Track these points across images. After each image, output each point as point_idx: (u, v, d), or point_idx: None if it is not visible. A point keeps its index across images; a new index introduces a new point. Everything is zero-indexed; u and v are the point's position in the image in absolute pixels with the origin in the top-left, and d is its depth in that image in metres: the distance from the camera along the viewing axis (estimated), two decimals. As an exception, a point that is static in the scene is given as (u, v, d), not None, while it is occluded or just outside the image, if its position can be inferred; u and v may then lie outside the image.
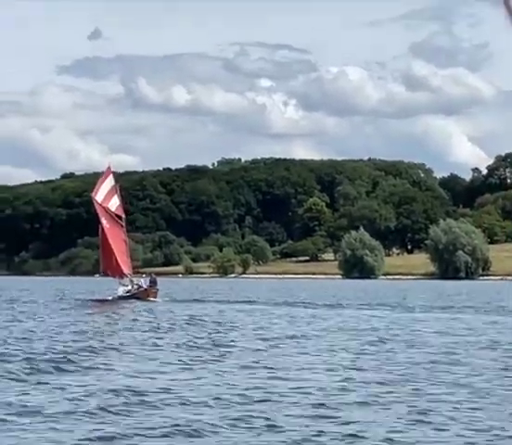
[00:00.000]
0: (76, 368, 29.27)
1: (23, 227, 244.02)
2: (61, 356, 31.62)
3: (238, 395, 24.18)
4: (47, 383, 25.66)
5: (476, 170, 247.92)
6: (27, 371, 27.96)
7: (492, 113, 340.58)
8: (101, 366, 29.61)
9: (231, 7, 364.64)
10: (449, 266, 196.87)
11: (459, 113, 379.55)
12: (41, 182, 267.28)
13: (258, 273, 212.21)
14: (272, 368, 30.03)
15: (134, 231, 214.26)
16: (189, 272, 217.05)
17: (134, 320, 53.19)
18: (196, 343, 38.62)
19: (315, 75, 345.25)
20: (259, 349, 36.49)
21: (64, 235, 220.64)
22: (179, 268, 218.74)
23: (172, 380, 27.18)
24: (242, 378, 27.70)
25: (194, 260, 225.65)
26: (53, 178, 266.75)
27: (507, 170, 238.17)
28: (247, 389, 25.22)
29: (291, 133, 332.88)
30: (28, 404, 21.64)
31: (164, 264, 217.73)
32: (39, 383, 25.67)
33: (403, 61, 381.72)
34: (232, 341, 39.84)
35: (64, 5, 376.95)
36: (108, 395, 23.36)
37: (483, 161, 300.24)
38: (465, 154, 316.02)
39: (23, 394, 23.49)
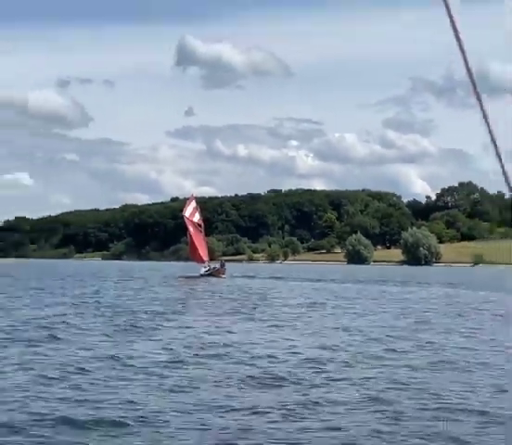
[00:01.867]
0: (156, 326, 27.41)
1: (147, 231, 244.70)
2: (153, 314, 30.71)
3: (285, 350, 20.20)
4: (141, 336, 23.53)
5: (428, 197, 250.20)
6: (128, 326, 25.70)
7: (435, 162, 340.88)
8: (177, 324, 27.19)
9: (273, 94, 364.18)
10: (414, 257, 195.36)
11: (415, 163, 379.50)
12: (158, 203, 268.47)
13: (294, 260, 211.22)
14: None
15: (216, 234, 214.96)
16: (250, 259, 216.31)
17: (207, 290, 53.07)
18: (242, 307, 37.68)
19: (325, 138, 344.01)
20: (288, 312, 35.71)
21: (172, 236, 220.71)
22: (244, 257, 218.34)
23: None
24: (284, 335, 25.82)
25: (253, 252, 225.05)
26: (165, 200, 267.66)
27: (449, 197, 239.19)
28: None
29: (311, 174, 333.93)
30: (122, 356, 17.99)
31: (234, 254, 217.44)
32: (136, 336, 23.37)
33: (380, 130, 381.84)
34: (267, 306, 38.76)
35: (168, 89, 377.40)
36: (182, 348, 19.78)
37: (429, 192, 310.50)
38: (419, 187, 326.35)
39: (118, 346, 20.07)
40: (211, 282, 64.65)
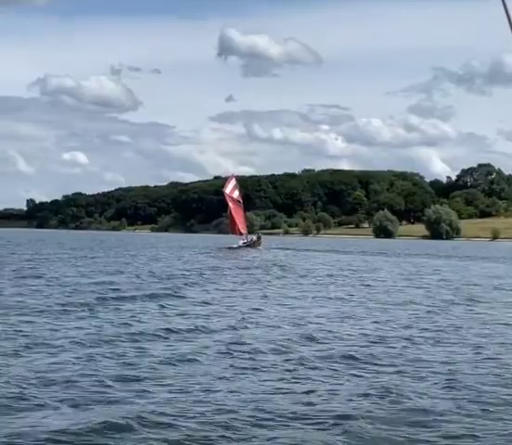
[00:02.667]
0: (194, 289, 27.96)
1: (192, 206, 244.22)
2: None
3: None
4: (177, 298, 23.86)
5: (448, 177, 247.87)
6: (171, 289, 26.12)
7: (454, 145, 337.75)
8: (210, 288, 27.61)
9: (306, 82, 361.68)
10: (436, 232, 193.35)
11: (436, 145, 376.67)
12: (202, 180, 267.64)
13: (326, 234, 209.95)
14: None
15: (254, 209, 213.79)
16: (286, 233, 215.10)
17: (245, 259, 52.58)
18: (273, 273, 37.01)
19: (353, 123, 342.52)
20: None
21: (215, 211, 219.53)
22: (280, 230, 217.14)
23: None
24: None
25: (289, 226, 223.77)
26: (208, 178, 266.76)
27: (468, 177, 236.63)
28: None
29: (339, 155, 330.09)
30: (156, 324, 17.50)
31: (271, 228, 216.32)
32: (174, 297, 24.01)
33: (404, 115, 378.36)
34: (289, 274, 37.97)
35: (210, 77, 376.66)
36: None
37: (449, 172, 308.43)
38: (439, 168, 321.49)
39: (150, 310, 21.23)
40: (249, 252, 64.39)
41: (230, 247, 72.79)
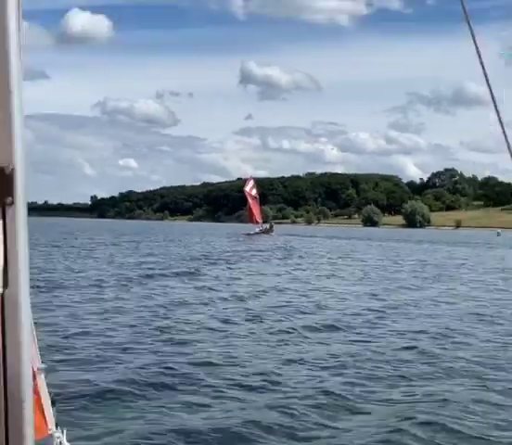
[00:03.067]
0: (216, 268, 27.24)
1: (219, 201, 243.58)
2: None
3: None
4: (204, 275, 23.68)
5: (421, 179, 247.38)
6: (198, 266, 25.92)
7: (424, 154, 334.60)
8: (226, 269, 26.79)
9: (309, 104, 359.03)
10: (412, 221, 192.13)
11: (411, 154, 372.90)
12: (228, 181, 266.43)
13: (324, 223, 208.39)
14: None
15: (268, 204, 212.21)
16: (293, 222, 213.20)
17: (259, 243, 51.88)
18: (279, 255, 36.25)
19: (346, 136, 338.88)
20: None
21: (237, 205, 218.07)
22: (288, 220, 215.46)
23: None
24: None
25: (295, 217, 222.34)
26: (231, 180, 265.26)
27: (437, 179, 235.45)
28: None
29: (335, 161, 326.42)
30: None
31: (282, 218, 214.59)
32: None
33: (385, 130, 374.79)
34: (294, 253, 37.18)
35: (233, 100, 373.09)
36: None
37: (421, 174, 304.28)
38: (413, 172, 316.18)
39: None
40: (263, 238, 63.78)
41: (248, 234, 72.13)
